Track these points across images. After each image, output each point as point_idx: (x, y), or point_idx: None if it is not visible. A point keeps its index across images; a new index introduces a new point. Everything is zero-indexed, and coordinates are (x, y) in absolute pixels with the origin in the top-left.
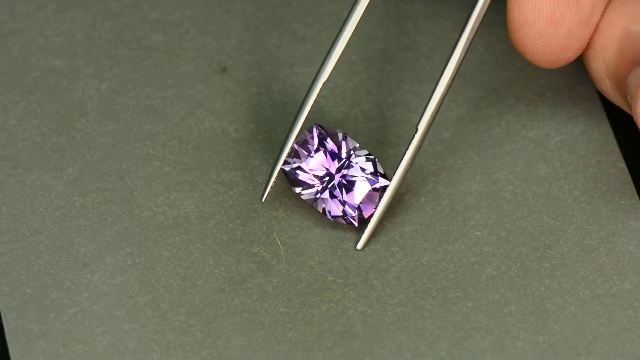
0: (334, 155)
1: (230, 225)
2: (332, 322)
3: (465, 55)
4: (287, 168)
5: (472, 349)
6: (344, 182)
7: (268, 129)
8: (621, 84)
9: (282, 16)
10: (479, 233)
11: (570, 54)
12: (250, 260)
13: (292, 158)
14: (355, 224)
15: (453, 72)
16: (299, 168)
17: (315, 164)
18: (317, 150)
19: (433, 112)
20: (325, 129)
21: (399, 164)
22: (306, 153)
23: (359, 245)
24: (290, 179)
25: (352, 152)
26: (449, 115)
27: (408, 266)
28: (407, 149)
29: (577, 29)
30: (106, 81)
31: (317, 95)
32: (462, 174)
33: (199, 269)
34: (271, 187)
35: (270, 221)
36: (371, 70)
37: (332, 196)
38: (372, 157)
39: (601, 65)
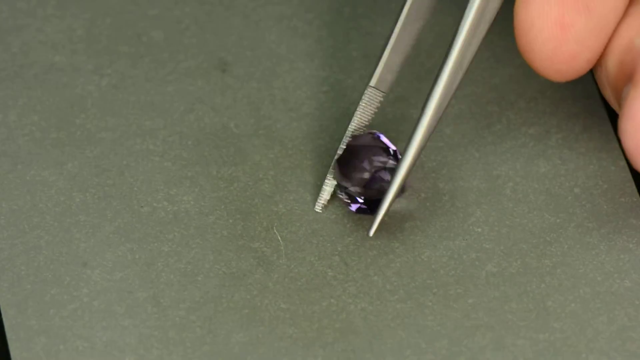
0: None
1: (230, 221)
2: (332, 318)
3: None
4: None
5: (472, 346)
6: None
7: (268, 124)
8: (618, 95)
9: (283, 12)
10: (479, 229)
11: (580, 64)
12: (251, 255)
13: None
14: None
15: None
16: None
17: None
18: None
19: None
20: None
21: (409, 143)
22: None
23: (371, 232)
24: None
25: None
26: (450, 112)
27: (408, 262)
28: (417, 125)
29: (587, 37)
30: (106, 77)
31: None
32: (462, 170)
33: (199, 264)
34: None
35: (270, 216)
36: (371, 66)
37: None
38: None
39: (604, 73)
